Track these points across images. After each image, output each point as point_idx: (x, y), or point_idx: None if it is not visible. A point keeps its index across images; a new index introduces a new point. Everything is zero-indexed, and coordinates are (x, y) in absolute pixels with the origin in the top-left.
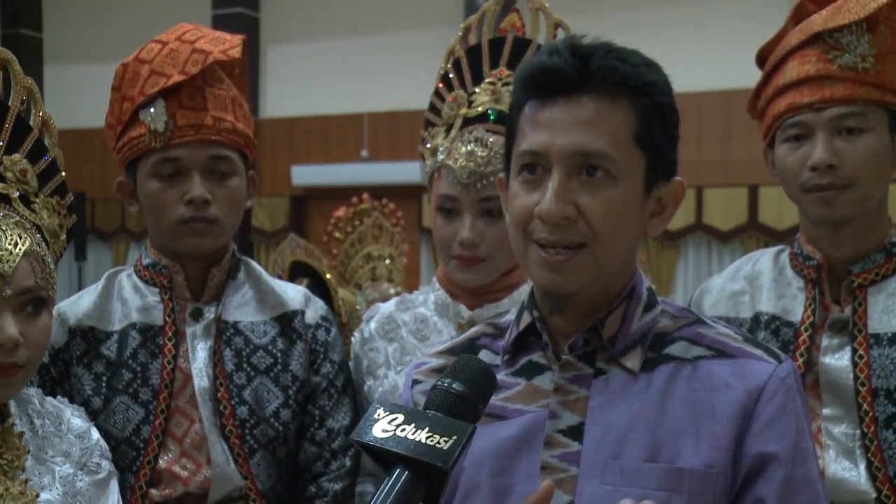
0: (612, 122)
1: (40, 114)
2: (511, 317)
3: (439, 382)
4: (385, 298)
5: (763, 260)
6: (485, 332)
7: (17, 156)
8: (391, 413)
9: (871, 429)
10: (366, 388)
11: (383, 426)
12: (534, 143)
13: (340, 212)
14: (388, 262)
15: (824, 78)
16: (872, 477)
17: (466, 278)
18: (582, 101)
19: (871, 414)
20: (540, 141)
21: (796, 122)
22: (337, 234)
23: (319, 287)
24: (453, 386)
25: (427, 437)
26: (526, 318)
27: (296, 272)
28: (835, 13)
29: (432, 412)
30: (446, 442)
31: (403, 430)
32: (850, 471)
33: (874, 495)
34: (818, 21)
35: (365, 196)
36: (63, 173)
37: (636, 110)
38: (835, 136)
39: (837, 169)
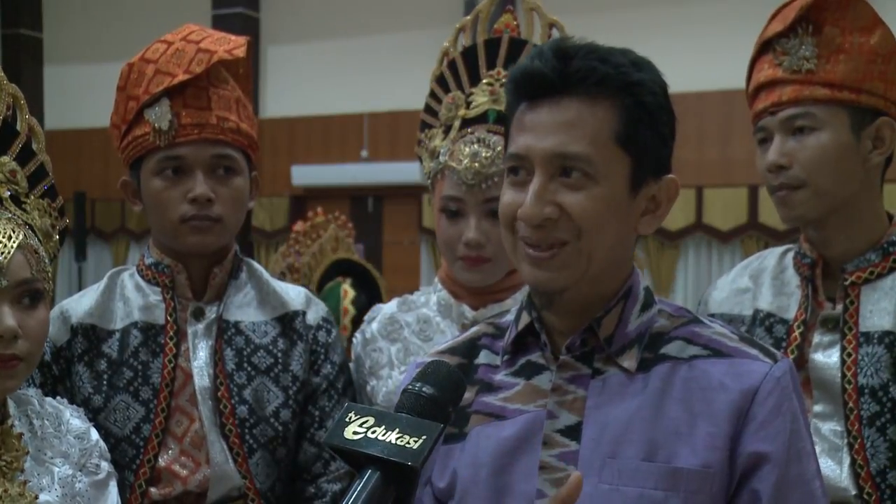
0: (593, 124)
1: (27, 119)
2: (511, 317)
3: (410, 386)
4: None
5: (769, 258)
6: (485, 332)
7: (5, 158)
8: (362, 416)
9: (856, 426)
10: (368, 388)
11: (354, 429)
12: (518, 146)
13: (299, 226)
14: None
15: (774, 83)
16: (855, 475)
17: (472, 278)
18: (563, 103)
19: (856, 412)
20: (523, 144)
21: (759, 128)
22: (298, 248)
23: (367, 287)
24: (423, 389)
25: (397, 438)
26: (524, 319)
27: (337, 271)
28: (779, 21)
29: (403, 414)
30: (416, 442)
31: (374, 431)
32: (832, 469)
33: (853, 492)
34: (768, 30)
35: (319, 210)
36: (52, 177)
37: (619, 110)
38: (788, 137)
39: (788, 169)
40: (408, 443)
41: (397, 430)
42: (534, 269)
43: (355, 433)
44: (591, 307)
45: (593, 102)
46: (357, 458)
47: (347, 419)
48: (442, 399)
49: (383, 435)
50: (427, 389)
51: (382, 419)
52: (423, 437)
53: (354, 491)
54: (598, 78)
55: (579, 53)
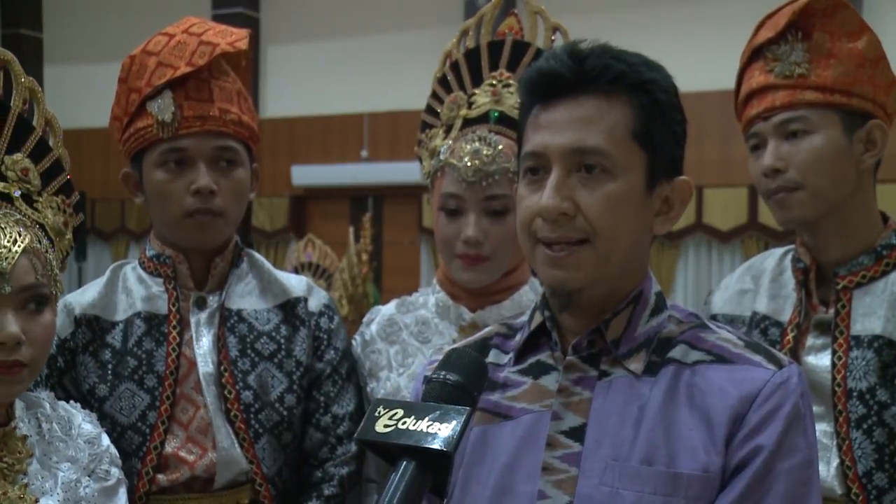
0: (609, 119)
1: (44, 113)
2: (525, 318)
3: (434, 375)
4: None
5: (770, 259)
6: (498, 332)
7: (18, 155)
8: (391, 409)
9: (844, 428)
10: (368, 389)
11: (385, 422)
12: (535, 143)
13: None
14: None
15: (767, 88)
16: (843, 475)
17: (470, 278)
18: (579, 100)
19: (844, 414)
20: (539, 141)
21: (752, 134)
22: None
23: None
24: (448, 377)
25: (428, 426)
26: (537, 318)
27: None
28: (769, 28)
29: (430, 403)
30: (447, 428)
31: (404, 422)
32: (820, 469)
33: (840, 492)
34: (757, 38)
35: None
36: (68, 172)
37: (634, 107)
38: (782, 141)
39: (784, 172)
40: (438, 430)
41: (427, 418)
42: (550, 269)
43: (386, 426)
44: (607, 308)
45: (609, 99)
46: (391, 451)
47: (377, 414)
48: (467, 385)
49: (414, 425)
50: (451, 377)
51: (411, 409)
52: (453, 422)
53: (392, 483)
54: (613, 75)
55: (593, 53)
